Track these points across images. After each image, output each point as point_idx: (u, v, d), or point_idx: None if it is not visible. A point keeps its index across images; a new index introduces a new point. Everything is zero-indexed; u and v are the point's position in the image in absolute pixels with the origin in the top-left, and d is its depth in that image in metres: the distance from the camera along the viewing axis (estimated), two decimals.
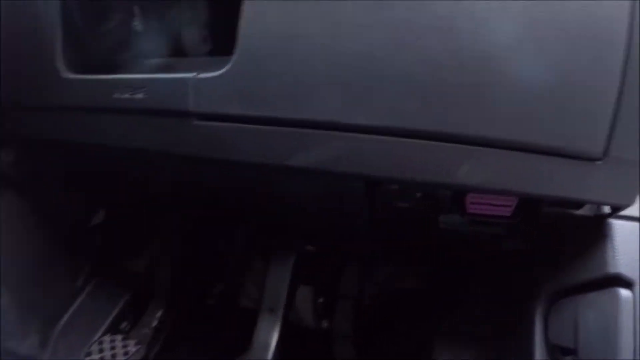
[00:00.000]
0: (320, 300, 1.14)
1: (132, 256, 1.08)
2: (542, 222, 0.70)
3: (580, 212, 0.68)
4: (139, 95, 0.66)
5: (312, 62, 0.59)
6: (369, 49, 0.58)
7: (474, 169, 0.60)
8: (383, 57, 0.58)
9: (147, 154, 0.73)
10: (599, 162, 0.59)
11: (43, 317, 0.88)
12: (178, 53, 0.74)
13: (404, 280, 1.12)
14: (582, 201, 0.64)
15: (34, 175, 0.84)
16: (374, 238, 0.92)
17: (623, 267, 0.66)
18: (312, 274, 1.13)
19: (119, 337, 0.93)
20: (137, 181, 0.90)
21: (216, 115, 0.63)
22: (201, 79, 0.63)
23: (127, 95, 0.67)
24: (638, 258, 0.67)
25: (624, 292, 0.65)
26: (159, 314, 1.02)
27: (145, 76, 0.66)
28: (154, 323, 1.00)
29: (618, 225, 0.69)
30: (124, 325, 1.00)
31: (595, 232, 0.69)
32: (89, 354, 0.90)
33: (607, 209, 0.69)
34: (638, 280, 0.66)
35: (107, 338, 0.92)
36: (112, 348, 0.91)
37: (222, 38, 0.63)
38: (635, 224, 0.69)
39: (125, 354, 0.91)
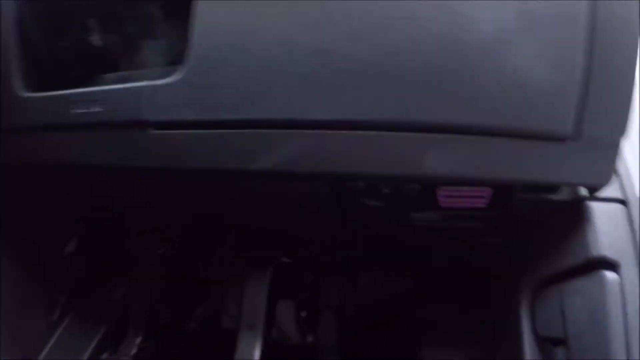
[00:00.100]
0: (303, 314, 1.12)
1: (109, 285, 1.06)
2: (518, 210, 0.68)
3: (557, 197, 0.66)
4: (96, 109, 0.65)
5: (267, 60, 0.58)
6: (324, 42, 0.57)
7: (440, 158, 0.58)
8: (339, 50, 0.57)
9: (110, 172, 0.72)
10: (570, 143, 0.58)
11: (20, 355, 0.86)
12: (136, 66, 0.73)
13: (386, 286, 1.09)
14: (556, 183, 0.62)
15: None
16: (351, 244, 0.90)
17: (606, 249, 0.64)
18: (292, 288, 1.11)
19: None
20: (105, 205, 0.88)
21: (173, 123, 0.62)
22: (155, 87, 0.62)
23: (83, 110, 0.65)
24: (621, 239, 0.65)
25: (609, 275, 0.64)
26: (138, 341, 0.99)
27: (100, 89, 0.65)
28: (134, 350, 0.98)
29: (597, 207, 0.67)
30: (104, 356, 0.97)
31: (574, 216, 0.67)
32: None
33: (584, 192, 0.67)
34: (623, 262, 0.64)
35: None
36: None
37: (180, 49, 0.62)
38: (615, 205, 0.67)
39: None
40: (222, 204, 0.77)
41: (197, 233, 1.02)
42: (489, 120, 0.57)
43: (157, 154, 0.63)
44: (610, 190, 0.68)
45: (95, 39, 0.72)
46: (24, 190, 0.79)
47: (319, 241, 0.90)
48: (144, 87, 0.62)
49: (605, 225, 0.66)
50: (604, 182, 0.61)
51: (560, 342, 0.68)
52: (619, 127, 0.58)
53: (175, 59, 0.63)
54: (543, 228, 0.72)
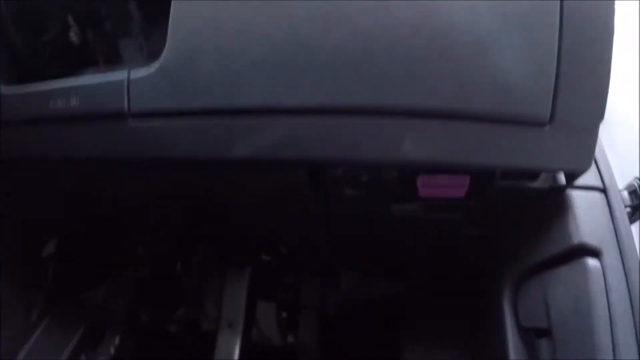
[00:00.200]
0: (284, 315, 1.11)
1: (88, 287, 1.04)
2: (498, 199, 0.68)
3: (536, 184, 0.66)
4: (74, 102, 0.64)
5: (242, 48, 0.58)
6: (298, 28, 0.57)
7: (417, 143, 0.58)
8: (314, 36, 0.57)
9: (90, 166, 0.72)
10: (547, 127, 0.58)
11: None
12: (116, 63, 0.73)
13: (367, 287, 1.09)
14: (534, 169, 0.62)
15: None
16: (332, 242, 0.89)
17: (587, 236, 0.65)
18: (273, 289, 1.10)
19: None
20: (85, 204, 0.88)
21: (151, 112, 0.62)
22: (134, 77, 0.62)
23: (62, 103, 0.65)
24: (601, 227, 0.66)
25: (592, 262, 0.64)
26: (116, 341, 0.98)
27: (79, 82, 0.65)
28: (112, 351, 0.96)
29: (577, 196, 0.67)
30: (82, 357, 0.96)
31: (554, 205, 0.68)
32: None
33: (563, 180, 0.67)
34: (604, 249, 0.64)
35: None
36: None
37: (158, 46, 0.62)
38: (595, 193, 0.68)
39: None
40: (201, 199, 0.77)
41: (177, 234, 1.01)
42: (465, 105, 0.57)
43: (137, 145, 0.63)
44: (590, 178, 0.68)
45: (75, 36, 0.72)
46: (5, 187, 0.78)
47: (299, 240, 0.89)
48: (122, 78, 0.62)
49: (586, 213, 0.66)
50: (582, 168, 0.61)
51: (544, 332, 0.68)
52: (596, 112, 0.59)
53: (154, 56, 0.63)
54: (524, 218, 0.72)
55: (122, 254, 1.04)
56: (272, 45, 0.57)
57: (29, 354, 0.87)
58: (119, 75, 0.63)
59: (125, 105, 0.62)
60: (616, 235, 0.65)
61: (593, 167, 0.69)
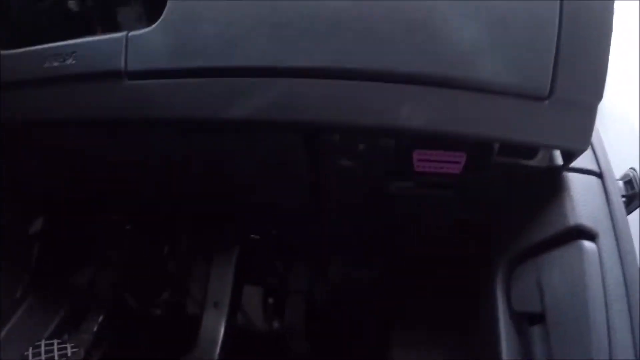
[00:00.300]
0: (271, 300, 1.09)
1: (73, 268, 1.02)
2: (495, 177, 0.68)
3: (533, 162, 0.66)
4: (70, 61, 0.64)
5: (243, 7, 0.58)
6: None
7: (416, 110, 0.58)
8: None
9: (84, 129, 0.70)
10: (547, 102, 0.58)
11: None
12: (114, 32, 0.72)
13: (356, 271, 1.07)
14: (532, 144, 0.62)
15: None
16: (321, 220, 0.88)
17: (584, 218, 0.64)
18: (260, 273, 1.08)
19: (55, 341, 0.86)
20: (74, 179, 0.86)
21: (149, 72, 0.61)
22: (132, 37, 0.61)
23: (57, 63, 0.64)
24: (597, 210, 0.65)
25: (588, 245, 0.63)
26: (100, 319, 0.95)
27: (75, 42, 0.64)
28: (95, 328, 0.94)
29: (574, 178, 0.67)
30: (65, 337, 0.93)
31: (550, 186, 0.67)
32: (24, 357, 0.83)
33: (560, 161, 0.67)
34: (600, 232, 0.63)
35: (43, 343, 0.85)
36: (49, 352, 0.83)
37: (157, 15, 0.62)
38: (591, 177, 0.67)
39: (62, 356, 0.83)
40: (192, 165, 0.75)
41: (165, 209, 0.99)
42: (465, 74, 0.57)
43: (132, 105, 0.62)
44: (586, 162, 0.68)
45: (73, 4, 0.72)
46: None
47: (286, 211, 0.87)
48: (119, 37, 0.62)
49: (582, 195, 0.66)
50: (580, 147, 0.61)
51: (538, 317, 0.66)
52: (595, 90, 0.59)
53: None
54: (518, 200, 0.72)
55: (108, 234, 1.03)
56: (273, 5, 0.57)
57: (10, 330, 0.85)
58: (115, 35, 0.62)
59: (123, 63, 0.61)
60: (612, 220, 0.64)
61: (590, 152, 0.69)
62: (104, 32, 0.73)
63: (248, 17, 0.58)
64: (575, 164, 0.66)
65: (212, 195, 0.84)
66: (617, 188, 0.68)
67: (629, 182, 0.72)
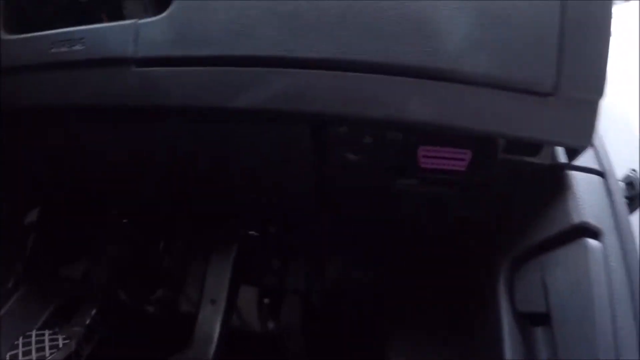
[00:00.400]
0: (266, 301, 1.08)
1: (67, 260, 1.01)
2: (499, 175, 0.68)
3: (537, 160, 0.66)
4: (77, 47, 0.64)
5: None
6: None
7: (424, 104, 0.58)
8: None
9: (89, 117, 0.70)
10: (551, 98, 0.58)
11: None
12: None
13: (356, 271, 1.06)
14: (537, 140, 0.62)
15: None
16: (322, 219, 0.87)
17: (588, 216, 0.64)
18: (256, 274, 1.07)
19: (47, 332, 0.85)
20: (74, 178, 0.85)
21: (157, 60, 0.61)
22: (141, 24, 0.61)
23: (64, 49, 0.64)
24: (601, 208, 0.65)
25: (592, 243, 0.63)
26: (93, 312, 0.94)
27: (84, 28, 0.64)
28: (87, 321, 0.92)
29: (577, 176, 0.67)
30: (56, 329, 0.92)
31: (553, 184, 0.67)
32: (14, 347, 0.81)
33: (563, 160, 0.67)
34: (604, 230, 0.63)
35: (34, 333, 0.84)
36: (39, 342, 0.82)
37: (162, 7, 0.62)
38: (594, 176, 0.68)
39: (53, 347, 0.82)
40: (198, 161, 0.75)
41: (164, 204, 0.98)
42: (472, 69, 0.57)
43: (139, 92, 0.62)
44: (588, 161, 0.69)
45: None
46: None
47: (288, 207, 0.87)
48: (128, 25, 0.62)
49: (586, 193, 0.66)
50: (583, 144, 0.62)
51: (541, 318, 0.66)
52: (597, 87, 0.59)
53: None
54: (522, 198, 0.72)
55: (104, 229, 1.01)
56: None
57: (1, 320, 0.84)
58: (124, 22, 0.63)
59: (131, 51, 0.61)
60: (615, 218, 0.64)
61: (592, 152, 0.69)
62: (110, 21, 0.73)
63: (257, 7, 0.58)
64: (578, 162, 0.67)
65: (213, 194, 0.84)
66: (620, 187, 0.68)
67: (630, 183, 0.73)
